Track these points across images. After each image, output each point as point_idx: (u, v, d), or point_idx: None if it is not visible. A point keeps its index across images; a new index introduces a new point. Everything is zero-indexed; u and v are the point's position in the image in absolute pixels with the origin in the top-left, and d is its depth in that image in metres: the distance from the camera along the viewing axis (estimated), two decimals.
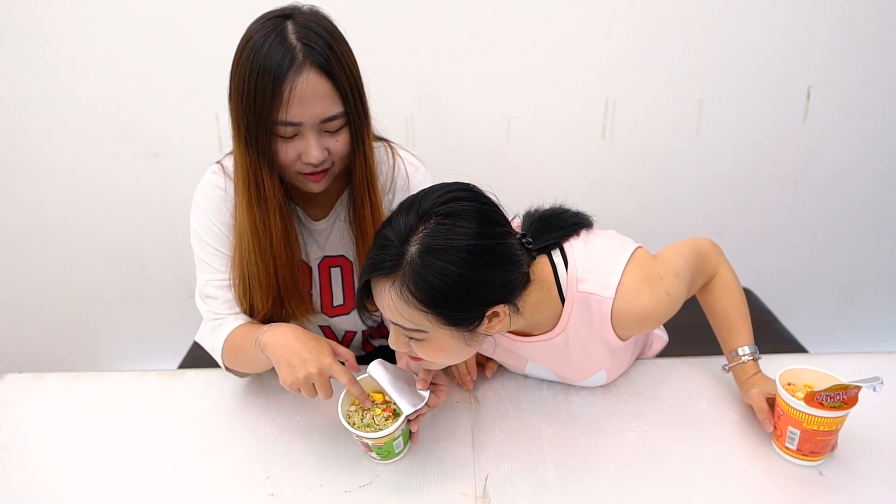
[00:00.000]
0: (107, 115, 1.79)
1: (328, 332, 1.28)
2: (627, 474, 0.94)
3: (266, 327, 1.02)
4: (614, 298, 0.93)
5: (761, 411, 0.98)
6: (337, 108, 0.94)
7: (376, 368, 0.98)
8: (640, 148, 1.87)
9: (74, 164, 1.85)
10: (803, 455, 0.93)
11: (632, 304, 0.93)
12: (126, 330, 2.14)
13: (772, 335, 1.66)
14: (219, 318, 1.11)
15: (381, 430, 0.92)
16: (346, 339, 1.30)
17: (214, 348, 1.10)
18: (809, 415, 0.88)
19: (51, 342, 2.15)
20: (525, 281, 0.90)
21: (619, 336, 0.98)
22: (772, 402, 0.97)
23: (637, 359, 1.27)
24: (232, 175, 1.09)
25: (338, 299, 1.22)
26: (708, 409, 1.07)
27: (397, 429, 0.93)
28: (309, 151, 0.94)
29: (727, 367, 1.08)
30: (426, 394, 0.96)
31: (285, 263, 1.07)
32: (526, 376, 1.16)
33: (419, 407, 0.93)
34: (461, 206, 0.84)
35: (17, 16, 1.66)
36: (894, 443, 0.98)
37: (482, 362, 1.14)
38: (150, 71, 1.73)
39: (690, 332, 1.43)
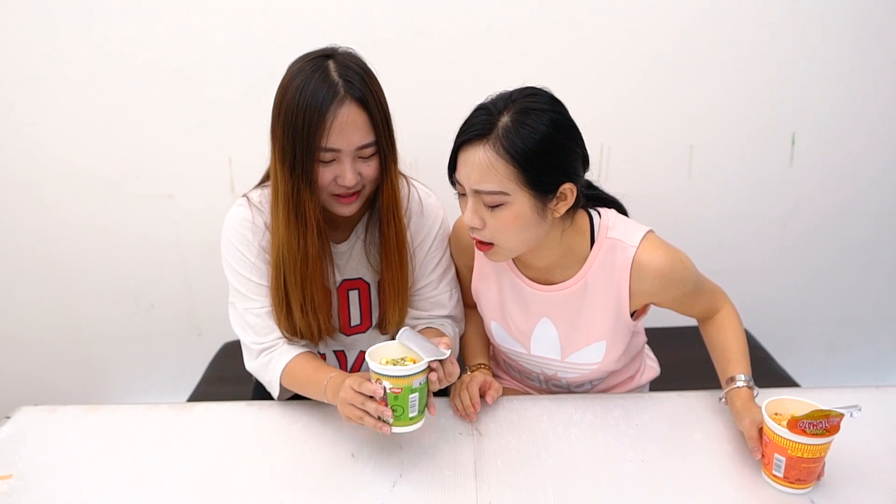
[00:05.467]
0: (121, 159, 1.84)
1: (340, 357, 1.32)
2: (625, 502, 0.97)
3: (327, 379, 1.09)
4: (637, 248, 1.08)
5: (751, 439, 1.01)
6: (370, 138, 1.05)
7: (405, 332, 1.04)
8: (634, 191, 1.92)
9: (88, 206, 1.90)
10: (790, 482, 0.96)
11: (652, 255, 1.08)
12: (135, 367, 2.16)
13: (766, 372, 1.69)
14: (267, 351, 1.18)
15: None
16: (358, 360, 1.34)
17: (270, 382, 1.18)
18: (793, 441, 0.92)
19: (61, 379, 2.17)
20: (585, 168, 1.07)
21: (631, 292, 1.10)
22: (762, 431, 1.01)
23: (628, 390, 1.33)
24: (259, 206, 1.16)
25: (355, 320, 1.28)
26: (702, 440, 1.10)
27: (418, 374, 0.97)
28: (345, 175, 1.04)
29: (723, 398, 1.13)
30: (448, 351, 1.02)
31: (319, 283, 1.14)
32: (526, 383, 1.21)
33: (440, 358, 0.99)
34: (542, 94, 1.02)
35: (37, 62, 1.73)
36: (885, 472, 1.01)
37: (483, 393, 1.18)
38: (164, 115, 1.79)
39: (685, 369, 1.48)
